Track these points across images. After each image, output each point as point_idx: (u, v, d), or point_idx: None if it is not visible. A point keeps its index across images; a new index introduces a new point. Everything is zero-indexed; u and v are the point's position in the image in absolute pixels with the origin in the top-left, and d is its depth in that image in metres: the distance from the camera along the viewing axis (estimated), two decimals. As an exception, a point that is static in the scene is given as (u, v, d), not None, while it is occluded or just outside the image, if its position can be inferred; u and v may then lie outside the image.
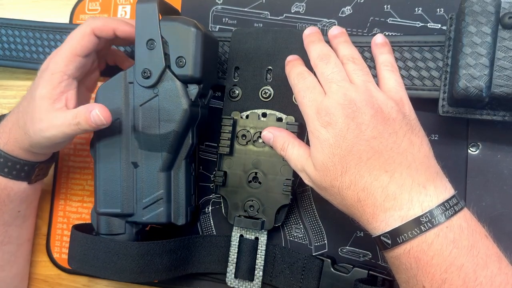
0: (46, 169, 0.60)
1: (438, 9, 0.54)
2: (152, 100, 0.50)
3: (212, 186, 0.60)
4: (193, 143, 0.52)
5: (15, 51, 0.64)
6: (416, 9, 0.55)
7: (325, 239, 0.56)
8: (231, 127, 0.55)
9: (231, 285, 0.56)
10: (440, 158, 0.44)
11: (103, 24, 0.51)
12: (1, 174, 0.55)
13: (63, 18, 0.68)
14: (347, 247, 0.55)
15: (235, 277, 0.56)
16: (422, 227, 0.39)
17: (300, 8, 0.58)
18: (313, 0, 0.58)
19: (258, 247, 0.56)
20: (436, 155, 0.44)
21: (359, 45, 0.52)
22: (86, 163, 0.66)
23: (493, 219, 0.50)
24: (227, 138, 0.55)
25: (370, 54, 0.52)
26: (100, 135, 0.53)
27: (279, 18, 0.59)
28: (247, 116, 0.56)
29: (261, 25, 0.60)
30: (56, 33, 0.63)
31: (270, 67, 0.55)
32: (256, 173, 0.55)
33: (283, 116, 0.55)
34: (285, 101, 0.55)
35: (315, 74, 0.48)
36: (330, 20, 0.57)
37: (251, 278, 0.55)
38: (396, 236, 0.40)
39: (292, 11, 0.59)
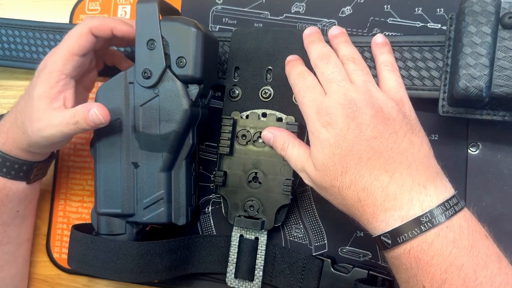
0: (45, 168, 0.60)
1: (438, 9, 0.54)
2: (152, 100, 0.50)
3: (212, 186, 0.60)
4: (193, 143, 0.52)
5: (15, 51, 0.64)
6: (416, 9, 0.55)
7: (325, 239, 0.56)
8: (231, 127, 0.55)
9: (231, 285, 0.56)
10: (440, 158, 0.44)
11: (100, 23, 0.51)
12: (0, 174, 0.55)
13: (63, 18, 0.68)
14: (347, 247, 0.55)
15: (235, 277, 0.56)
16: (422, 227, 0.39)
17: (300, 8, 0.58)
18: (313, 0, 0.58)
19: (258, 247, 0.56)
20: (436, 155, 0.44)
21: (359, 45, 0.52)
22: (86, 163, 0.66)
23: (493, 219, 0.50)
24: (227, 138, 0.55)
25: (370, 54, 0.52)
26: (101, 135, 0.52)
27: (279, 18, 0.59)
28: (247, 116, 0.56)
29: (261, 25, 0.60)
30: (56, 33, 0.63)
31: (270, 67, 0.55)
32: (256, 173, 0.55)
33: (283, 116, 0.55)
34: (285, 101, 0.55)
35: (315, 74, 0.48)
36: (330, 20, 0.57)
37: (251, 278, 0.55)
38: (396, 236, 0.40)
39: (292, 11, 0.59)
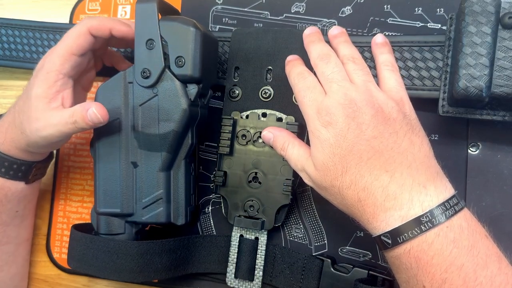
0: (44, 168, 0.60)
1: (438, 9, 0.54)
2: (151, 100, 0.50)
3: (212, 186, 0.60)
4: (192, 143, 0.52)
5: (15, 51, 0.64)
6: (416, 9, 0.55)
7: (325, 239, 0.56)
8: (231, 127, 0.55)
9: (231, 285, 0.56)
10: (440, 158, 0.44)
11: (99, 23, 0.51)
12: None
13: (63, 18, 0.68)
14: (347, 247, 0.55)
15: (235, 277, 0.56)
16: (423, 227, 0.39)
17: (300, 8, 0.58)
18: (313, 0, 0.58)
19: (258, 247, 0.56)
20: (436, 155, 0.44)
21: (359, 45, 0.52)
22: (86, 163, 0.66)
23: (493, 219, 0.50)
24: (227, 138, 0.55)
25: (370, 54, 0.52)
26: (100, 135, 0.52)
27: (279, 18, 0.59)
28: (247, 116, 0.56)
29: (261, 25, 0.60)
30: (56, 33, 0.63)
31: (270, 67, 0.55)
32: (256, 173, 0.55)
33: (283, 116, 0.55)
34: (285, 101, 0.55)
35: (315, 74, 0.48)
36: (330, 20, 0.57)
37: (251, 278, 0.55)
38: (396, 236, 0.40)
39: (292, 11, 0.59)
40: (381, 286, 0.51)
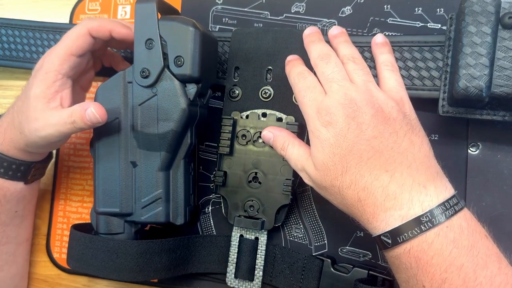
0: (43, 168, 0.60)
1: (438, 9, 0.54)
2: (150, 99, 0.50)
3: (212, 186, 0.60)
4: (191, 142, 0.52)
5: (15, 51, 0.64)
6: (416, 9, 0.55)
7: (325, 239, 0.56)
8: (231, 127, 0.55)
9: (231, 285, 0.56)
10: (440, 158, 0.44)
11: (99, 25, 0.51)
12: None
13: (63, 18, 0.68)
14: (347, 247, 0.55)
15: (235, 277, 0.56)
16: (422, 227, 0.39)
17: (300, 8, 0.58)
18: (313, 0, 0.58)
19: (258, 247, 0.56)
20: (436, 155, 0.44)
21: (359, 45, 0.52)
22: (86, 163, 0.66)
23: (493, 219, 0.50)
24: (227, 138, 0.55)
25: (370, 54, 0.52)
26: (100, 134, 0.53)
27: (279, 18, 0.59)
28: (247, 116, 0.56)
29: (261, 25, 0.60)
30: (56, 33, 0.63)
31: (270, 67, 0.55)
32: (256, 173, 0.55)
33: (283, 116, 0.55)
34: (285, 101, 0.55)
35: (315, 74, 0.48)
36: (330, 20, 0.57)
37: (251, 278, 0.55)
38: (396, 236, 0.40)
39: (292, 11, 0.59)
40: (381, 286, 0.51)
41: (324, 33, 0.54)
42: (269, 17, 0.59)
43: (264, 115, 0.55)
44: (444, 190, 0.41)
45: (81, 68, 0.54)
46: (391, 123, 0.43)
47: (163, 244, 0.53)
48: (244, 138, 0.55)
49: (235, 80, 0.57)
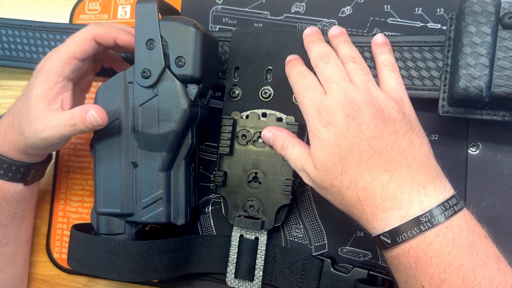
0: (42, 170, 0.60)
1: (438, 9, 0.54)
2: (151, 100, 0.50)
3: (212, 186, 0.60)
4: (192, 143, 0.52)
5: (15, 51, 0.64)
6: (416, 9, 0.55)
7: (325, 239, 0.56)
8: (231, 127, 0.55)
9: (231, 285, 0.56)
10: (440, 158, 0.44)
11: (104, 31, 0.51)
12: None
13: (63, 18, 0.68)
14: (347, 247, 0.55)
15: (235, 277, 0.56)
16: (422, 227, 0.39)
17: (300, 8, 0.58)
18: (313, 0, 0.58)
19: (258, 247, 0.56)
20: (436, 155, 0.44)
21: (359, 45, 0.52)
22: (86, 163, 0.66)
23: (493, 219, 0.50)
24: (227, 138, 0.55)
25: (370, 54, 0.52)
26: (100, 135, 0.53)
27: (279, 18, 0.59)
28: (247, 116, 0.56)
29: (261, 25, 0.60)
30: (56, 33, 0.63)
31: (270, 67, 0.55)
32: (256, 173, 0.55)
33: (283, 116, 0.55)
34: (285, 101, 0.55)
35: (315, 74, 0.48)
36: (330, 20, 0.57)
37: (251, 278, 0.55)
38: (395, 236, 0.40)
39: (292, 11, 0.59)
40: (381, 286, 0.51)
41: (324, 33, 0.54)
42: (269, 17, 0.59)
43: (264, 115, 0.55)
44: (444, 190, 0.41)
45: (83, 71, 0.54)
46: (391, 123, 0.43)
47: (164, 245, 0.53)
48: (244, 138, 0.55)
49: (235, 80, 0.57)
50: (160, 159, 0.51)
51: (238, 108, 0.56)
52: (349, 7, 0.57)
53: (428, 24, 0.54)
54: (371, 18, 0.56)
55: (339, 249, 0.56)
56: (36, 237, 0.67)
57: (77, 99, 0.56)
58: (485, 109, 0.47)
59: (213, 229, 0.60)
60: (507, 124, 0.50)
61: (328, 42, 0.51)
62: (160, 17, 0.50)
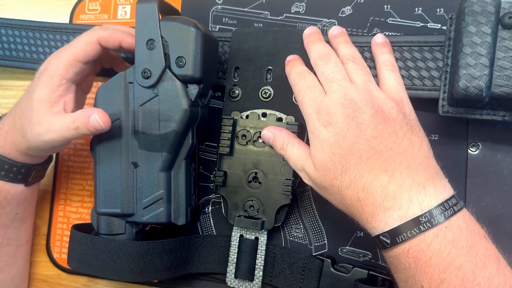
0: (43, 171, 0.60)
1: (438, 9, 0.54)
2: (152, 100, 0.50)
3: (212, 186, 0.60)
4: (193, 143, 0.52)
5: (15, 51, 0.64)
6: (416, 9, 0.55)
7: (325, 239, 0.56)
8: (231, 127, 0.55)
9: (231, 285, 0.56)
10: (440, 158, 0.44)
11: (109, 35, 0.51)
12: None
13: (63, 18, 0.68)
14: (347, 247, 0.55)
15: (235, 277, 0.56)
16: (421, 227, 0.39)
17: (300, 8, 0.58)
18: (313, 0, 0.58)
19: (258, 247, 0.56)
20: (436, 155, 0.44)
21: (359, 45, 0.52)
22: (86, 163, 0.66)
23: (493, 219, 0.50)
24: (227, 138, 0.55)
25: (370, 54, 0.52)
26: (100, 135, 0.52)
27: (279, 18, 0.59)
28: (247, 116, 0.56)
29: (261, 25, 0.60)
30: (56, 33, 0.63)
31: (270, 67, 0.55)
32: (256, 173, 0.55)
33: (283, 116, 0.55)
34: (285, 101, 0.55)
35: (315, 74, 0.48)
36: (330, 20, 0.57)
37: (251, 278, 0.55)
38: (395, 236, 0.40)
39: (292, 11, 0.59)
40: (381, 286, 0.51)
41: (324, 33, 0.54)
42: (269, 17, 0.59)
43: (264, 115, 0.56)
44: (443, 190, 0.41)
45: (85, 74, 0.54)
46: (391, 123, 0.43)
47: (164, 245, 0.53)
48: (244, 138, 0.55)
49: (235, 80, 0.57)
50: (161, 159, 0.51)
51: (238, 108, 0.56)
52: (349, 7, 0.57)
53: (428, 24, 0.54)
54: (371, 18, 0.56)
55: (339, 249, 0.56)
56: (36, 237, 0.67)
57: (79, 100, 0.56)
58: (485, 109, 0.47)
59: (213, 229, 0.60)
60: (507, 124, 0.50)
61: (328, 42, 0.51)
62: (160, 17, 0.50)
